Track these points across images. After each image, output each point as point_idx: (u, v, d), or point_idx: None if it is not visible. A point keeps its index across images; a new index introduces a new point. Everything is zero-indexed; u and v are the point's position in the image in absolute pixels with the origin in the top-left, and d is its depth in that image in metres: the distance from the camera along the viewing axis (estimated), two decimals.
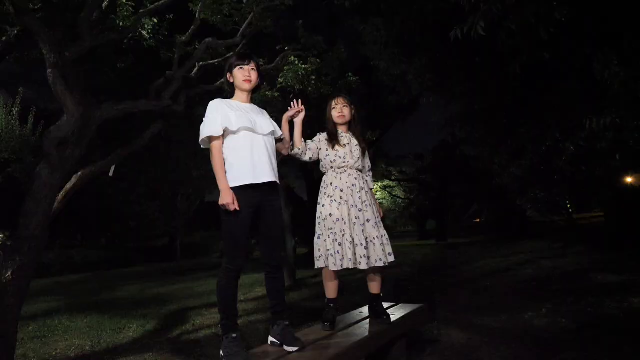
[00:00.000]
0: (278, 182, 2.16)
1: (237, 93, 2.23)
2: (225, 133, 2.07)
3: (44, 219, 3.06)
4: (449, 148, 15.30)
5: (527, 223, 16.03)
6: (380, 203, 26.94)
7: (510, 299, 4.54)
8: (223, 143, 2.07)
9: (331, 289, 2.62)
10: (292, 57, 5.66)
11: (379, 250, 2.52)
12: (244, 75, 2.17)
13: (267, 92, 5.87)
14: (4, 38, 4.37)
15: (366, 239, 2.53)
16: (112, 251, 17.07)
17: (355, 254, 2.49)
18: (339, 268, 2.48)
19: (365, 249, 2.49)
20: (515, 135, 4.67)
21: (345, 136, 2.76)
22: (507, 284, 5.55)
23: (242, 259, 2.04)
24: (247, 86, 2.19)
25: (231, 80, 2.23)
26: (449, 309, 4.30)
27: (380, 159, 18.31)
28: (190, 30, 4.01)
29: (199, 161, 9.87)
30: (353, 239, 2.51)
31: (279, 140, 2.37)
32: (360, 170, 2.73)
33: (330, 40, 5.43)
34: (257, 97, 6.08)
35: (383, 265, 2.51)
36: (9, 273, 2.85)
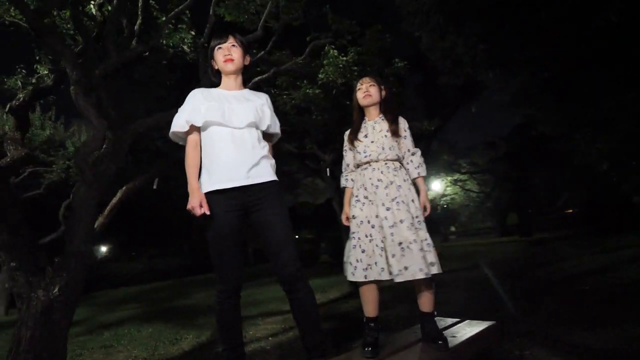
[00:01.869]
0: (267, 180, 1.78)
1: (224, 80, 1.93)
2: (202, 127, 1.82)
3: (86, 234, 3.11)
4: (525, 132, 13.65)
5: (633, 212, 13.61)
6: (452, 198, 25.29)
7: (615, 309, 3.63)
8: (200, 137, 1.81)
9: (369, 306, 2.20)
10: (331, 50, 5.35)
11: (417, 258, 2.04)
12: (223, 55, 1.85)
13: (308, 90, 5.62)
14: (61, 66, 4.70)
15: (400, 243, 2.07)
16: (191, 259, 18.27)
17: (388, 262, 2.07)
18: (362, 279, 2.08)
19: (402, 256, 2.05)
20: (601, 104, 3.74)
21: (368, 124, 2.37)
22: (611, 289, 4.53)
23: (234, 275, 1.73)
24: (230, 67, 1.86)
25: (216, 67, 1.94)
26: (533, 321, 3.56)
27: (446, 150, 17.07)
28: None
29: None
30: (384, 245, 2.08)
31: (267, 134, 1.97)
32: (395, 160, 2.29)
33: (367, 23, 4.99)
34: (298, 95, 5.87)
35: (424, 276, 2.04)
36: (56, 289, 2.92)
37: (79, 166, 2.87)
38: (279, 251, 1.72)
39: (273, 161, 1.90)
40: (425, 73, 9.14)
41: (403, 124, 2.39)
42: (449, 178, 22.75)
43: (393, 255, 2.07)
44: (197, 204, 1.68)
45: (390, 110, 2.41)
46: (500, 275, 6.83)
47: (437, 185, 23.76)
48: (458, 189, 23.90)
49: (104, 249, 21.11)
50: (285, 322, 4.85)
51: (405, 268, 2.03)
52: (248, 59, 1.95)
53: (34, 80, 5.57)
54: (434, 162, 17.79)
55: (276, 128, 1.97)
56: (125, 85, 5.45)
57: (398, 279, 2.01)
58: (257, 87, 4.58)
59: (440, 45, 4.23)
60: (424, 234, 2.17)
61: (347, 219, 2.32)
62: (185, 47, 5.38)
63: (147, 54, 4.35)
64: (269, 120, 1.91)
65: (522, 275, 6.48)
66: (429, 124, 7.54)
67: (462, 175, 22.12)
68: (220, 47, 1.88)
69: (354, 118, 2.44)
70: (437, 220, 27.91)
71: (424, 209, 2.26)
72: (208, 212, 1.69)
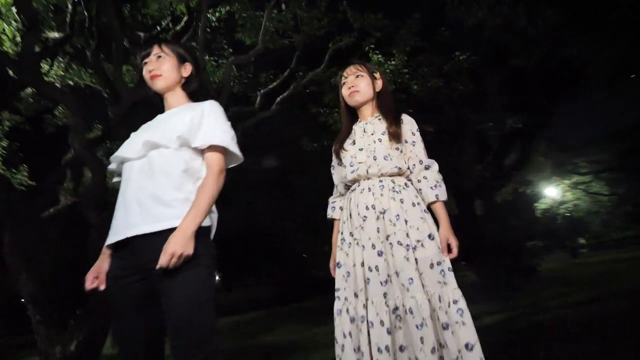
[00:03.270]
0: (154, 230, 1.22)
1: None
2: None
3: None
4: None
5: None
6: (575, 205, 21.28)
7: None
8: None
9: None
10: (375, 56, 4.80)
11: (419, 333, 1.33)
12: (148, 71, 1.45)
13: None
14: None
15: (395, 310, 1.37)
16: (286, 287, 18.54)
17: (386, 342, 1.38)
18: None
19: (398, 329, 1.35)
20: None
21: (357, 126, 1.75)
22: None
23: None
24: (159, 83, 1.44)
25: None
26: None
27: (555, 151, 14.47)
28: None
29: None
30: (367, 312, 1.41)
31: (209, 153, 1.35)
32: (394, 175, 1.62)
33: (401, 16, 4.29)
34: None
35: None
36: (73, 346, 2.84)
37: (84, 213, 2.81)
38: (171, 340, 1.18)
39: (181, 195, 1.28)
40: (508, 63, 7.81)
41: (409, 124, 1.71)
42: (566, 181, 19.30)
43: (389, 331, 1.38)
44: (88, 276, 1.33)
45: (388, 106, 1.76)
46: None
47: (552, 192, 20.41)
48: (580, 193, 20.15)
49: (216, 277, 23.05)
50: None
51: (401, 349, 1.32)
52: (188, 67, 1.50)
53: None
54: (540, 166, 15.22)
55: (206, 139, 1.33)
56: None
57: None
58: (288, 108, 4.24)
59: (492, 22, 3.28)
60: (451, 292, 1.43)
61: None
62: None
63: None
64: (186, 132, 1.33)
65: None
66: (514, 121, 6.30)
67: (582, 176, 18.55)
68: (145, 63, 1.49)
69: (343, 123, 1.85)
70: (561, 232, 23.82)
71: (448, 248, 1.52)
72: (102, 287, 1.32)
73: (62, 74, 5.46)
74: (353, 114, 1.81)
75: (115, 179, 1.46)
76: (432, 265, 1.45)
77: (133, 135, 1.45)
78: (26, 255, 2.88)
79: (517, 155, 11.43)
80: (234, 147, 1.36)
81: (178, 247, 1.14)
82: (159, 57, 1.46)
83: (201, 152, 1.35)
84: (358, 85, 1.71)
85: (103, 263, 1.35)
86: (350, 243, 1.57)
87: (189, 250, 1.16)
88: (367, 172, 1.61)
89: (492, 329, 4.72)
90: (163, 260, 1.13)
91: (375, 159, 1.61)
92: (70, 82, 5.57)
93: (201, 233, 1.23)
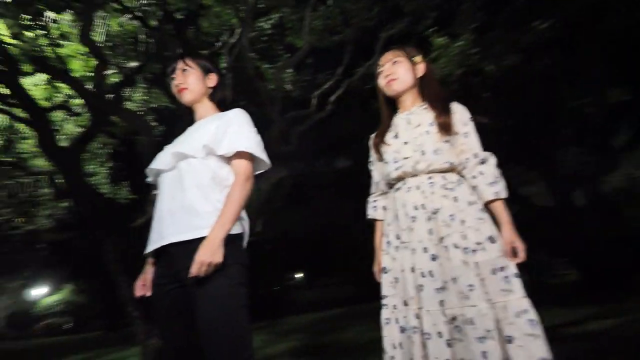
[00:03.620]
0: (184, 240, 1.26)
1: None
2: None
3: None
4: None
5: None
6: None
7: None
8: None
9: None
10: (440, 39, 4.45)
11: (475, 350, 1.16)
12: (175, 86, 1.52)
13: None
14: None
15: (453, 319, 1.20)
16: (363, 285, 18.45)
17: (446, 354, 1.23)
18: None
19: (458, 341, 1.19)
20: None
21: (399, 118, 1.58)
22: None
23: None
24: (187, 96, 1.49)
25: None
26: None
27: None
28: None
29: None
30: (421, 322, 1.26)
31: (235, 161, 1.36)
32: (445, 172, 1.43)
33: None
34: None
35: None
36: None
37: None
38: (203, 347, 1.21)
39: (209, 204, 1.29)
40: (604, 26, 6.60)
41: (460, 113, 1.50)
42: None
43: (449, 344, 1.21)
44: (137, 284, 1.43)
45: (434, 93, 1.56)
46: None
47: None
48: None
49: (299, 275, 23.97)
50: None
51: None
52: (213, 78, 1.54)
53: None
54: None
55: (231, 146, 1.35)
56: None
57: None
58: (349, 106, 4.12)
59: None
60: (518, 301, 1.22)
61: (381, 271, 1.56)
62: (286, 86, 5.46)
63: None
64: (211, 141, 1.36)
65: None
66: (620, 94, 5.37)
67: None
68: (172, 78, 1.56)
69: (382, 116, 1.70)
70: None
71: (513, 252, 1.29)
72: (148, 294, 1.39)
73: (145, 98, 6.10)
74: (391, 105, 1.65)
75: (154, 192, 1.53)
76: (494, 271, 1.27)
77: (166, 147, 1.52)
78: (124, 260, 3.25)
79: (627, 134, 9.71)
80: (259, 153, 1.38)
81: (207, 256, 1.19)
82: (184, 70, 1.51)
83: (228, 160, 1.38)
84: (396, 73, 1.56)
85: (148, 271, 1.44)
86: (397, 246, 1.44)
87: (218, 258, 1.20)
88: (415, 168, 1.44)
89: (597, 336, 4.04)
90: (194, 269, 1.19)
91: (423, 154, 1.44)
92: (154, 105, 6.19)
93: (230, 240, 1.25)
